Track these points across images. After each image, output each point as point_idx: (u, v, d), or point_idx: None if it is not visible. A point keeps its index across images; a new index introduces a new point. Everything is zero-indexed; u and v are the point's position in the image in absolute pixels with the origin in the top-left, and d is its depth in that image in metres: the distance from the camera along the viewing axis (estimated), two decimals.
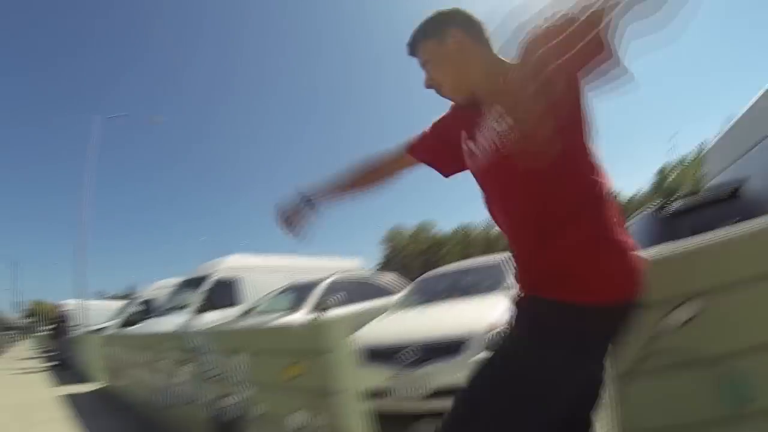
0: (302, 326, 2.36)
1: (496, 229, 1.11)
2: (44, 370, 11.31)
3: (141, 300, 10.24)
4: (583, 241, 0.88)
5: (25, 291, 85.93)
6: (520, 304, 0.97)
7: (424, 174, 1.34)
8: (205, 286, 7.26)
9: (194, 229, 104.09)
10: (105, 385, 7.33)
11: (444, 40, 1.06)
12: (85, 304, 11.85)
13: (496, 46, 1.07)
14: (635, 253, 0.90)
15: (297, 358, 2.15)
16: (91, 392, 7.38)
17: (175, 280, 9.68)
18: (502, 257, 4.65)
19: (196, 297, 7.07)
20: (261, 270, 8.19)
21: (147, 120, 18.62)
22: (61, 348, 12.12)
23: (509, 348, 0.93)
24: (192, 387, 3.74)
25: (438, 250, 52.50)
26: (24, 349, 24.13)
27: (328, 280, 6.27)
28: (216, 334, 3.70)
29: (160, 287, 10.21)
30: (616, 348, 0.96)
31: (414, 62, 1.17)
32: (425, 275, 5.53)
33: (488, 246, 48.34)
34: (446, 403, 1.01)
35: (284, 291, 6.99)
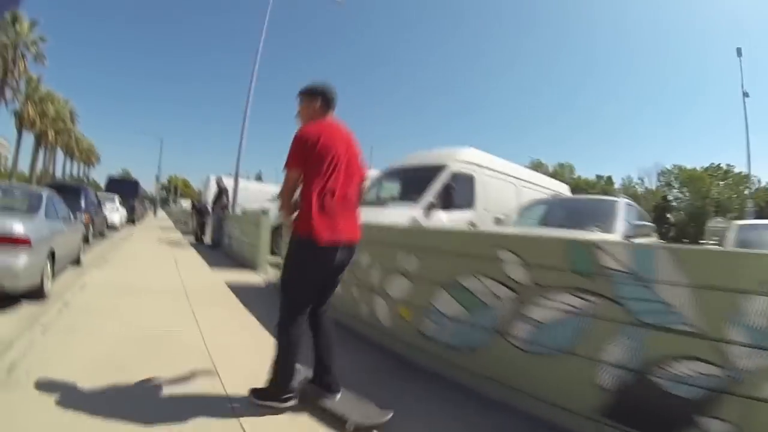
0: None
1: None
2: (192, 245, 10.89)
3: None
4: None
5: (165, 166, 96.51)
6: None
7: None
8: (441, 179, 5.29)
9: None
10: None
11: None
12: (241, 183, 10.89)
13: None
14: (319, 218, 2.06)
15: None
16: (267, 286, 5.99)
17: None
18: None
19: (429, 190, 5.14)
20: (491, 171, 6.30)
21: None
22: (207, 225, 11.62)
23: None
24: (565, 332, 2.07)
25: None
26: (160, 219, 26.02)
27: (624, 202, 4.85)
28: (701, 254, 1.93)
29: None
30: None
31: None
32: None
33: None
34: None
35: (551, 206, 5.17)
